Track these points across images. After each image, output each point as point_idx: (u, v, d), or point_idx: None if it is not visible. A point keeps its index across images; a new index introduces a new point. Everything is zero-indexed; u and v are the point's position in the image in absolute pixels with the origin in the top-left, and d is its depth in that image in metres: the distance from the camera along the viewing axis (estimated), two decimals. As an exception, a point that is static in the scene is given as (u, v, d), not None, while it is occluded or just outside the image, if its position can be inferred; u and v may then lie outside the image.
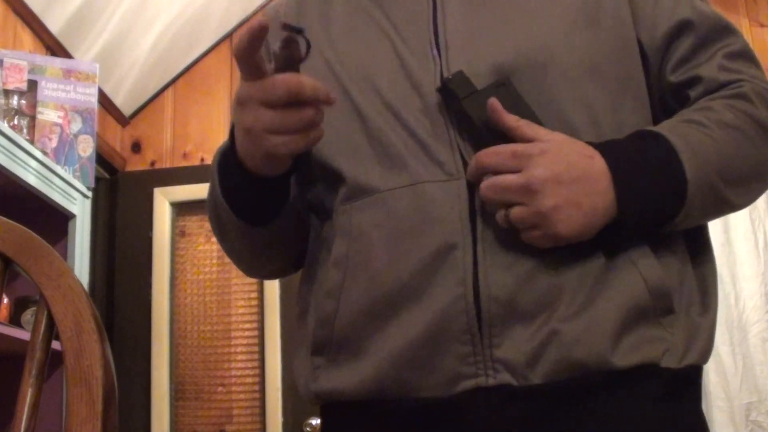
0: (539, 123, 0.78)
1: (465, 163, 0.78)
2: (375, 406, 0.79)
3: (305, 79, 0.73)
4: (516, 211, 0.73)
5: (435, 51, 0.83)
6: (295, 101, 0.73)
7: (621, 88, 0.83)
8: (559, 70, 0.81)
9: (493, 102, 0.77)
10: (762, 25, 3.15)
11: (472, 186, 0.77)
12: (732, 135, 0.79)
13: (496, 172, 0.74)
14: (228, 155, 0.82)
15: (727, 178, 0.78)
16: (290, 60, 0.74)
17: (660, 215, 0.76)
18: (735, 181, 0.79)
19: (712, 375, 2.73)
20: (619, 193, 0.74)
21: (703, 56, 0.85)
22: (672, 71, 0.85)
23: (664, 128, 0.79)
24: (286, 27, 0.72)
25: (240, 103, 0.75)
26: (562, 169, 0.73)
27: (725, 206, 0.81)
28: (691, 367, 0.77)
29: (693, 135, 0.78)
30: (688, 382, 0.79)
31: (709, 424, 2.86)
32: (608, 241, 0.75)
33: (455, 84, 0.79)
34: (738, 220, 2.86)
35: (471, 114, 0.78)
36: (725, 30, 0.87)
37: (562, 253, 0.75)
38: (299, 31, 0.72)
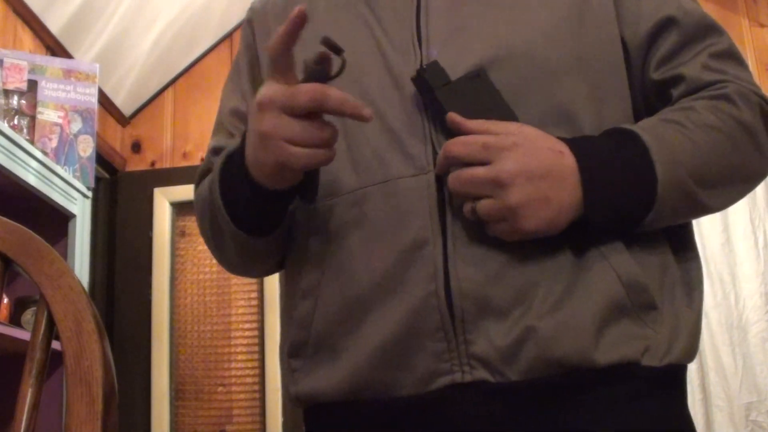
0: (512, 114, 0.77)
1: (437, 156, 0.77)
2: (354, 407, 0.79)
3: (331, 91, 0.72)
4: (483, 204, 0.73)
5: (417, 46, 0.83)
6: (317, 111, 0.72)
7: (602, 84, 0.82)
8: (539, 64, 0.80)
9: (452, 116, 0.76)
10: (762, 25, 3.15)
11: (442, 180, 0.77)
12: (712, 137, 0.78)
13: (465, 164, 0.74)
14: (234, 159, 0.81)
15: (703, 181, 0.77)
16: (321, 74, 0.73)
17: (628, 215, 0.75)
18: (711, 183, 0.78)
19: (712, 375, 2.73)
20: (586, 192, 0.73)
21: (686, 55, 0.84)
22: (655, 69, 0.84)
23: (640, 127, 0.78)
24: (326, 42, 0.71)
25: (260, 107, 0.73)
26: (532, 164, 0.72)
27: (700, 208, 0.79)
28: (674, 366, 0.76)
29: (669, 135, 0.77)
30: (671, 381, 0.78)
31: (709, 424, 2.85)
32: (578, 236, 0.75)
33: (429, 74, 0.78)
34: (738, 220, 2.86)
35: (444, 105, 0.77)
36: (710, 29, 0.85)
37: (533, 248, 0.74)
38: (339, 52, 0.72)
